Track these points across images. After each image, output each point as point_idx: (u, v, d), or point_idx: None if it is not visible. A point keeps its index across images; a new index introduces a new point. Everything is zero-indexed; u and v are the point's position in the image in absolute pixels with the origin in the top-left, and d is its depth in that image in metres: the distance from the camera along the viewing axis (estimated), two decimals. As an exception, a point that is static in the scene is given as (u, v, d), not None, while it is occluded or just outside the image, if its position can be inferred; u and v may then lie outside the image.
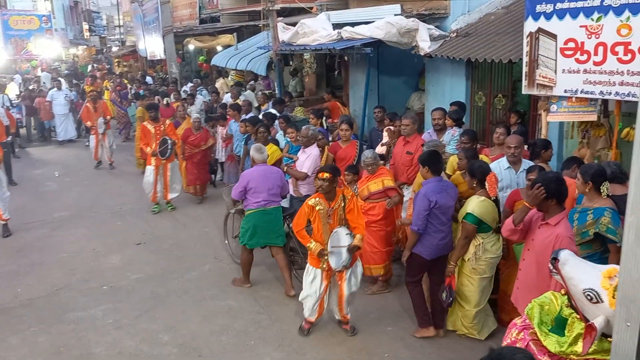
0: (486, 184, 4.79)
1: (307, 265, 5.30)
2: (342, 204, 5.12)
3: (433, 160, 5.08)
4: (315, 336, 5.32)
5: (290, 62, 13.66)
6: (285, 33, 10.62)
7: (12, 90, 17.80)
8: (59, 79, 17.34)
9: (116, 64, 28.64)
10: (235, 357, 5.03)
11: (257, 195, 6.13)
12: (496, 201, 4.90)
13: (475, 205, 4.77)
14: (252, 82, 13.59)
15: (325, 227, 5.08)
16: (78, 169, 12.60)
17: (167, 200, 9.24)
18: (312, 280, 5.22)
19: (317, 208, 5.08)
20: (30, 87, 17.61)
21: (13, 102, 15.53)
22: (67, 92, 16.05)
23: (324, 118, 9.26)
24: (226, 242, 7.47)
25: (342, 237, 5.07)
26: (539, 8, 5.45)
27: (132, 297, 6.28)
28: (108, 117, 12.33)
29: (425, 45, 8.09)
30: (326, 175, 5.04)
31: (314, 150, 6.97)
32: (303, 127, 7.06)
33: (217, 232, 8.02)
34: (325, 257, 5.06)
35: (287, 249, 6.50)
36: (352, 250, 5.05)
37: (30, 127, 16.46)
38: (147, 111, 9.32)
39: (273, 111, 9.12)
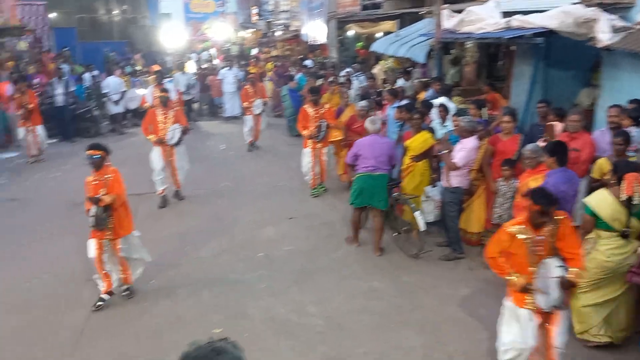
0: (623, 181, 4.47)
1: (505, 303, 4.37)
2: (553, 231, 4.14)
3: (560, 151, 5.14)
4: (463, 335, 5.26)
5: (451, 51, 13.36)
6: (450, 20, 10.40)
7: (190, 68, 19.59)
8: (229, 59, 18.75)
9: (279, 47, 30.16)
10: (375, 337, 5.16)
11: (366, 161, 6.90)
12: (629, 203, 4.49)
13: (594, 196, 4.63)
14: (410, 69, 13.53)
15: (532, 258, 4.14)
16: (241, 144, 13.57)
17: (320, 182, 9.44)
18: (512, 324, 4.29)
19: (520, 237, 4.15)
20: (204, 66, 19.25)
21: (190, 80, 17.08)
22: (237, 71, 17.26)
23: (484, 109, 8.94)
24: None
25: (552, 270, 4.06)
26: None
27: (285, 267, 6.71)
28: (265, 99, 13.02)
29: (604, 37, 7.43)
30: (535, 208, 4.03)
31: (471, 142, 6.80)
32: (459, 119, 6.92)
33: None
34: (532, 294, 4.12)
35: (391, 217, 7.19)
36: (566, 286, 4.08)
37: (202, 103, 18.05)
38: (309, 94, 9.62)
39: (441, 100, 8.86)
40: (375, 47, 15.18)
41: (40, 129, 11.83)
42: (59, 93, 13.41)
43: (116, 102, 14.88)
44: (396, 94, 9.67)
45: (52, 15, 24.96)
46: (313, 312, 5.62)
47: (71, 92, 13.79)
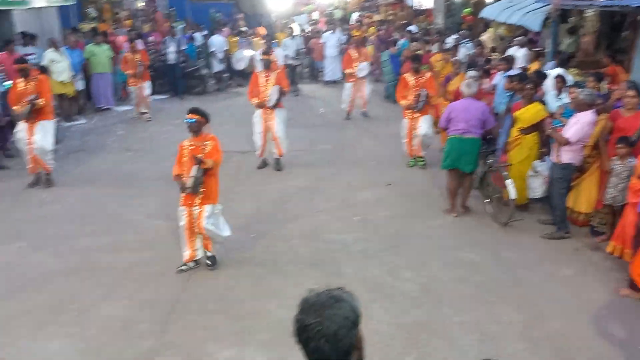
0: None
1: None
2: None
3: None
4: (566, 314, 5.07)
5: (568, 20, 12.48)
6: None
7: (295, 31, 19.74)
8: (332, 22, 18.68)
9: (382, 11, 29.60)
10: (472, 308, 5.09)
11: (457, 124, 6.93)
12: None
13: None
14: (521, 37, 12.82)
15: None
16: (339, 109, 13.59)
17: (419, 155, 9.17)
18: None
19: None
20: (307, 29, 19.34)
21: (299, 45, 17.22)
22: (340, 35, 17.18)
23: (603, 83, 8.34)
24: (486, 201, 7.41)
25: None
26: None
27: (380, 231, 6.74)
28: (370, 61, 12.78)
29: None
30: None
31: (587, 116, 6.37)
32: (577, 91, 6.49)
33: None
34: None
35: (484, 183, 7.20)
36: None
37: (302, 66, 18.22)
38: (410, 61, 9.33)
39: (558, 71, 8.33)
40: (486, 13, 14.51)
41: (147, 85, 12.16)
42: (171, 51, 14.06)
43: (220, 61, 15.37)
44: (509, 62, 9.23)
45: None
46: (408, 277, 5.62)
47: (182, 51, 14.41)
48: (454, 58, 10.72)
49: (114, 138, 10.83)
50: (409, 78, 8.99)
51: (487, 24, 15.82)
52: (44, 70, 10.18)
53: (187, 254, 5.77)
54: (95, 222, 6.96)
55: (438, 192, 7.99)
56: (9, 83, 10.20)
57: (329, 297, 1.80)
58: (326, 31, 17.47)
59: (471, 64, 10.82)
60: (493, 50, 12.74)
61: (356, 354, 1.78)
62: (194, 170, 5.46)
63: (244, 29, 18.53)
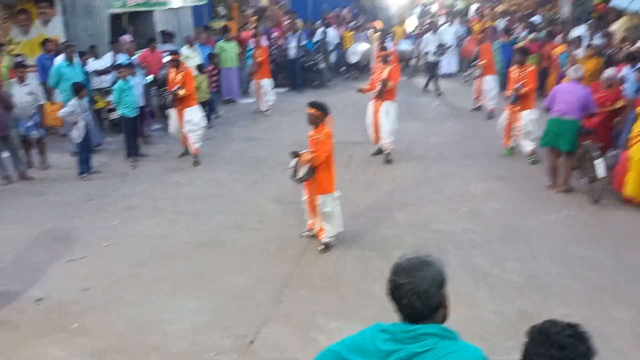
0: None
1: None
2: None
3: None
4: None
5: None
6: None
7: (411, 23, 19.78)
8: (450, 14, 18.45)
9: (505, 1, 28.50)
10: (580, 303, 5.04)
11: (558, 105, 7.35)
12: None
13: None
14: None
15: None
16: (454, 103, 13.53)
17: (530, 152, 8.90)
18: None
19: None
20: (427, 22, 19.25)
21: (409, 34, 17.35)
22: (457, 27, 16.96)
23: None
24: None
25: None
26: None
27: (489, 223, 6.78)
28: (484, 61, 12.27)
29: None
30: None
31: None
32: None
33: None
34: None
35: (583, 165, 7.35)
36: None
37: (418, 59, 18.22)
38: (517, 53, 8.97)
39: None
40: (617, 1, 13.62)
41: (266, 82, 12.55)
42: (292, 46, 14.78)
43: (332, 53, 15.90)
44: (633, 58, 8.70)
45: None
46: (515, 269, 5.65)
47: (303, 46, 15.09)
48: (573, 52, 10.27)
49: (238, 128, 11.69)
50: (513, 71, 8.91)
51: (620, 14, 14.80)
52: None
53: (309, 223, 6.42)
54: (222, 202, 7.70)
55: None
56: (151, 77, 11.45)
57: (419, 262, 2.06)
58: (444, 23, 17.33)
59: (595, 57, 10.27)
60: (623, 40, 11.97)
61: (442, 310, 2.04)
62: (292, 162, 5.97)
63: (359, 22, 18.88)
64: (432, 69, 14.74)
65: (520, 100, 8.65)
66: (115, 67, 9.93)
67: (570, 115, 7.26)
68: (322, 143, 5.88)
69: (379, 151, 9.46)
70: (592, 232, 6.46)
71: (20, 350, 4.63)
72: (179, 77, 8.99)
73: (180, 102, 9.04)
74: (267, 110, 12.69)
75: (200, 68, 11.76)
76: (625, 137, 6.93)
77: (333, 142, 6.04)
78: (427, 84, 14.77)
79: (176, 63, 9.14)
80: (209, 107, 11.52)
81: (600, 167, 6.89)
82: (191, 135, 9.18)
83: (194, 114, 9.20)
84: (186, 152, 9.57)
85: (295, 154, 5.96)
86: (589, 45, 11.29)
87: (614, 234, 6.37)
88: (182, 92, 8.86)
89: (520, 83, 8.58)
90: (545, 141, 7.61)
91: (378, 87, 9.03)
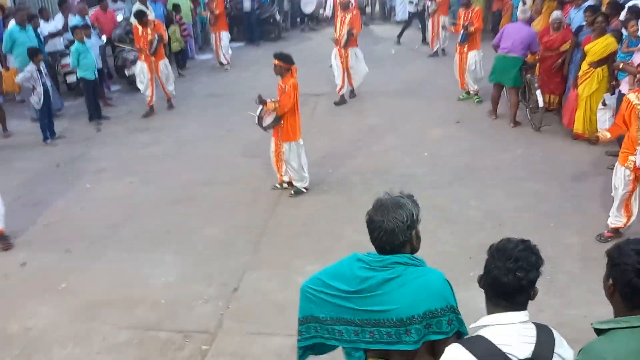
0: None
1: (616, 164, 5.22)
2: None
3: None
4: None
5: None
6: None
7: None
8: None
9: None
10: (534, 233, 5.47)
11: (504, 43, 8.02)
12: None
13: None
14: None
15: (638, 125, 4.83)
16: (410, 49, 13.76)
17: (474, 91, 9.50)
18: (619, 182, 5.16)
19: (635, 103, 4.81)
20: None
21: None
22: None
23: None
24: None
25: None
26: None
27: (448, 165, 7.19)
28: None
29: None
30: None
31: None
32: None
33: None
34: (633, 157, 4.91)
35: (524, 94, 8.26)
36: None
37: (373, 7, 18.28)
38: None
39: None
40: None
41: (224, 35, 12.44)
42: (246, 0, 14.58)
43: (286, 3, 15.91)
44: None
45: None
46: (473, 206, 6.10)
47: (257, -1, 14.91)
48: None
49: (199, 85, 11.66)
50: (461, 12, 9.43)
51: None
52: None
53: (277, 177, 6.70)
54: (190, 160, 7.84)
55: (504, 125, 8.28)
56: (105, 38, 11.23)
57: (394, 203, 2.33)
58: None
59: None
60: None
61: (409, 245, 2.32)
62: (258, 110, 6.31)
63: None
64: (411, 20, 14.57)
65: (468, 40, 9.13)
66: (70, 29, 9.71)
67: (515, 53, 7.96)
68: (287, 93, 6.14)
69: (343, 100, 9.79)
70: (542, 167, 6.96)
71: (13, 312, 4.81)
72: (150, 31, 9.38)
73: (155, 54, 9.52)
74: (226, 63, 12.67)
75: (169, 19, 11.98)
76: (574, 76, 7.34)
77: (298, 93, 6.27)
78: (401, 34, 14.57)
79: (145, 20, 9.44)
80: (182, 56, 12.30)
81: (539, 97, 7.65)
82: (167, 81, 9.85)
83: (166, 64, 9.86)
84: (150, 112, 9.78)
85: (262, 101, 6.21)
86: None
87: (562, 167, 6.87)
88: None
89: (467, 23, 9.09)
90: (493, 77, 8.34)
91: (344, 35, 9.37)
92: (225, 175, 7.28)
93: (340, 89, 9.76)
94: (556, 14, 8.27)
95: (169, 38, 11.21)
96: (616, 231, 5.30)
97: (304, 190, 6.61)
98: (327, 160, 7.48)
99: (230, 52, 12.81)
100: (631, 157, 4.94)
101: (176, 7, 12.44)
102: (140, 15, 9.53)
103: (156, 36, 9.39)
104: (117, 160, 8.00)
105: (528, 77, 8.03)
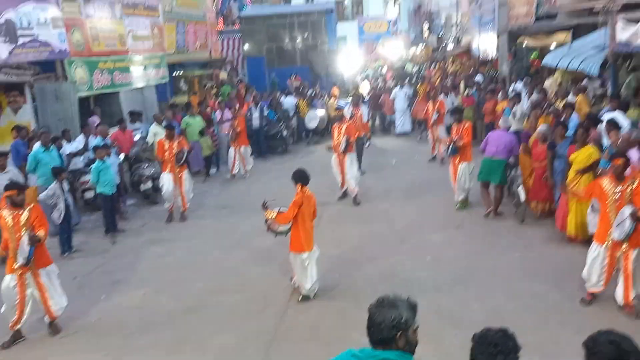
0: None
1: (593, 243, 6.18)
2: (631, 187, 5.76)
3: None
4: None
5: (629, 63, 12.85)
6: (624, 31, 10.23)
7: (364, 88, 21.09)
8: (402, 76, 19.85)
9: (450, 62, 30.52)
10: (535, 333, 5.68)
11: (490, 149, 9.22)
12: None
13: None
14: (584, 80, 13.30)
15: (611, 207, 5.84)
16: (411, 159, 14.52)
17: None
18: (594, 258, 6.08)
19: (606, 189, 5.91)
20: (379, 86, 20.59)
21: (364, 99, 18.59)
22: (407, 89, 18.28)
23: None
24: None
25: (626, 211, 5.65)
26: None
27: (449, 268, 7.49)
28: (442, 111, 13.78)
29: None
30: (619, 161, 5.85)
31: (634, 154, 6.93)
32: (625, 132, 7.08)
33: (531, 223, 8.64)
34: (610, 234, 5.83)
35: (511, 192, 9.31)
36: (635, 217, 5.53)
37: (374, 120, 19.41)
38: (453, 113, 10.59)
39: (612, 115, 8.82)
40: (547, 60, 15.08)
41: (245, 149, 13.76)
42: (255, 117, 15.64)
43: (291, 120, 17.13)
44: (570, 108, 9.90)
45: (245, 46, 28.48)
46: (475, 307, 6.33)
47: (265, 116, 15.99)
48: (515, 107, 11.48)
49: (211, 197, 12.26)
50: (453, 127, 10.19)
51: (551, 70, 16.32)
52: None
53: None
54: (203, 269, 8.18)
55: (502, 231, 8.66)
56: (122, 156, 12.01)
57: (389, 302, 2.67)
58: (395, 86, 18.65)
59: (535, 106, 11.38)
60: (556, 95, 13.27)
61: (398, 345, 2.58)
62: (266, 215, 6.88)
63: (316, 90, 20.14)
64: None
65: (458, 153, 9.85)
66: (92, 148, 10.46)
67: (499, 156, 9.12)
68: (289, 206, 6.68)
69: (344, 194, 10.91)
70: (539, 268, 7.26)
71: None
72: (175, 145, 10.50)
73: (180, 166, 10.54)
74: (246, 173, 13.79)
75: (202, 132, 13.83)
76: (561, 183, 7.84)
77: (304, 209, 6.72)
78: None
79: (172, 135, 10.66)
80: (211, 160, 14.35)
81: (521, 194, 8.75)
82: (186, 194, 10.73)
83: (189, 177, 10.93)
84: (171, 216, 10.69)
85: (265, 207, 6.80)
86: (531, 102, 12.52)
87: (559, 268, 7.17)
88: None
89: (457, 137, 9.82)
90: (481, 177, 9.40)
91: (342, 143, 10.49)
92: (236, 282, 7.59)
93: (342, 186, 11.00)
94: (542, 127, 8.98)
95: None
96: None
97: (310, 297, 6.87)
98: (335, 266, 7.80)
99: (252, 162, 14.03)
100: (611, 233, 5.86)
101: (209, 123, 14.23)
102: (169, 131, 10.68)
103: (184, 150, 10.53)
104: (132, 271, 8.34)
105: (511, 174, 9.13)
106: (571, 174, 7.72)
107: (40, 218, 6.39)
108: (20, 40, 11.81)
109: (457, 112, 10.37)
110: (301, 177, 6.79)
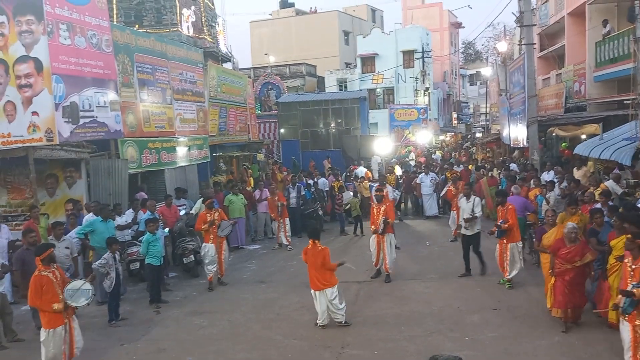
0: None
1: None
2: None
3: None
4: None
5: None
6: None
7: (397, 172, 21.70)
8: (427, 163, 20.41)
9: (479, 149, 31.21)
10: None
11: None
12: None
13: None
14: (615, 171, 13.60)
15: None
16: (443, 240, 14.74)
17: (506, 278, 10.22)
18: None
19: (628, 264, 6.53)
20: (410, 170, 21.17)
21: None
22: (433, 175, 18.85)
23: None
24: None
25: None
26: None
27: (488, 349, 7.56)
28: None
29: None
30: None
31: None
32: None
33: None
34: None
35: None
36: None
37: (407, 203, 19.84)
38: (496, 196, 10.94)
39: None
40: (579, 150, 15.52)
41: (288, 221, 14.95)
42: (292, 197, 16.25)
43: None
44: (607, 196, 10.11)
45: (281, 130, 29.74)
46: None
47: (302, 196, 16.58)
48: (548, 194, 11.86)
49: (249, 272, 12.62)
50: (499, 210, 10.58)
51: (582, 159, 16.67)
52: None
53: None
54: (244, 341, 8.40)
55: (540, 314, 8.70)
56: (167, 230, 12.58)
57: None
58: (420, 172, 19.27)
59: (565, 198, 11.72)
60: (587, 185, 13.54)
61: None
62: None
63: (349, 172, 20.89)
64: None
65: (505, 235, 10.08)
66: (145, 222, 11.04)
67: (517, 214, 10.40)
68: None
69: (378, 273, 11.19)
70: (579, 353, 7.27)
71: None
72: (216, 215, 11.58)
73: (221, 237, 11.52)
74: (288, 244, 14.79)
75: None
76: (601, 269, 8.00)
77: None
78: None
79: (212, 206, 11.78)
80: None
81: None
82: (224, 262, 11.69)
83: (227, 248, 12.02)
84: (212, 285, 11.32)
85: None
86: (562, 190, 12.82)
87: (598, 354, 7.17)
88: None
89: (502, 220, 10.11)
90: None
91: (381, 224, 10.80)
92: (277, 355, 7.78)
93: (376, 264, 11.21)
94: (571, 225, 8.28)
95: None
96: None
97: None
98: (373, 343, 7.94)
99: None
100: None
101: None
102: (210, 203, 11.81)
103: (229, 220, 12.12)
104: (176, 341, 8.61)
105: (530, 231, 11.00)
106: (611, 259, 7.88)
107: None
108: (81, 121, 12.78)
109: (501, 195, 10.76)
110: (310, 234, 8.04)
